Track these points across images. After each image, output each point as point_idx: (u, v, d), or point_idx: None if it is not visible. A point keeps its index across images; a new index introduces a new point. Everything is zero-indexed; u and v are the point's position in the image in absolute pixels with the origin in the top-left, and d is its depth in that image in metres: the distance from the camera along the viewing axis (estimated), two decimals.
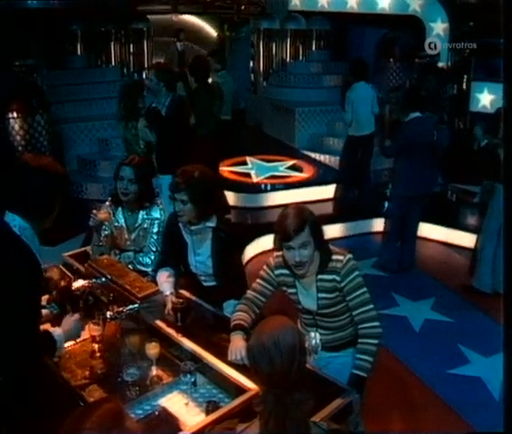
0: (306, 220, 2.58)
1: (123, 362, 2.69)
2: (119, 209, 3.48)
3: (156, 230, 3.43)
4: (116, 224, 3.47)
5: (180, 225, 3.18)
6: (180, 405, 2.57)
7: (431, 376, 4.30)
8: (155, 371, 2.70)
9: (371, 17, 9.19)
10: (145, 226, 3.43)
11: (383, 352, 4.53)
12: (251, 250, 5.94)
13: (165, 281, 3.07)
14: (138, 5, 8.62)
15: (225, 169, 7.62)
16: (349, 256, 2.69)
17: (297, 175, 7.51)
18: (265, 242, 6.14)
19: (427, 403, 4.08)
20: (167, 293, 2.98)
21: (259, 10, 9.66)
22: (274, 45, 9.84)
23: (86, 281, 2.85)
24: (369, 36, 9.51)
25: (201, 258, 3.19)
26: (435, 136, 5.56)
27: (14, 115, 6.26)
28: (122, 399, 2.56)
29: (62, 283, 3.28)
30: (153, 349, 2.66)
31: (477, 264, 5.46)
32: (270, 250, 6.26)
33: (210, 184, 3.11)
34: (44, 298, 3.31)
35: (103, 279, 2.77)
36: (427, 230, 6.58)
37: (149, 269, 3.37)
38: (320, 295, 2.70)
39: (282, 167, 7.78)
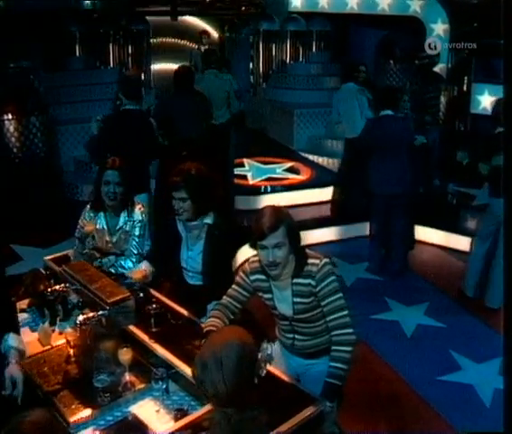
0: (281, 220, 2.55)
1: (97, 367, 2.66)
2: (101, 213, 3.46)
3: (137, 233, 3.42)
4: (97, 227, 3.45)
5: (176, 219, 3.20)
6: (151, 412, 2.54)
7: (421, 382, 4.21)
8: (127, 377, 2.67)
9: (372, 18, 9.12)
10: (126, 229, 3.42)
11: (372, 357, 4.52)
12: (245, 252, 5.88)
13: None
14: (137, 7, 8.61)
15: None
16: (325, 260, 2.64)
17: (294, 178, 7.46)
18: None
19: (416, 410, 4.01)
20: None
21: (259, 11, 9.60)
22: (274, 46, 9.80)
23: (59, 286, 2.82)
24: (370, 37, 9.44)
25: (193, 253, 3.22)
26: (410, 136, 5.46)
27: (10, 116, 6.28)
28: (94, 405, 2.55)
29: (41, 287, 3.28)
30: (125, 355, 2.63)
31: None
32: None
33: (207, 181, 3.14)
34: (24, 303, 3.32)
35: (76, 284, 2.73)
36: (426, 233, 6.51)
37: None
38: (296, 299, 2.66)
39: (280, 169, 7.74)
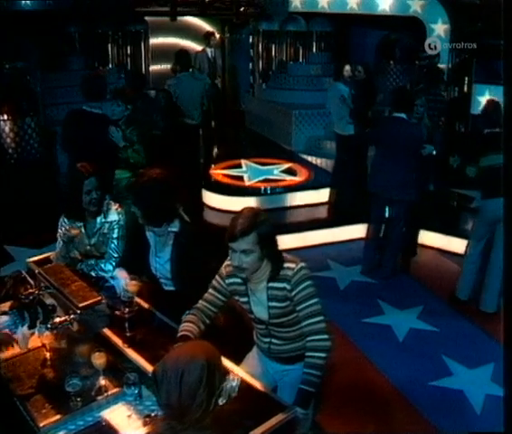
0: (254, 226, 2.48)
1: (69, 371, 2.63)
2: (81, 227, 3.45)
3: (116, 235, 3.39)
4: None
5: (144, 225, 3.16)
6: (123, 417, 2.50)
7: (411, 388, 4.16)
8: (102, 381, 2.64)
9: (373, 18, 9.05)
10: (104, 231, 3.39)
11: (362, 361, 4.47)
12: None
13: (124, 276, 3.05)
14: (136, 7, 8.59)
15: (218, 172, 7.57)
16: (301, 264, 2.59)
17: (290, 179, 7.39)
18: None
19: (404, 415, 3.96)
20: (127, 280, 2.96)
21: (258, 11, 9.56)
22: (274, 47, 9.76)
23: (33, 289, 2.79)
24: (371, 38, 9.38)
25: (161, 260, 3.17)
26: (419, 144, 5.34)
27: (5, 117, 6.29)
28: (66, 409, 2.52)
29: (22, 290, 3.26)
30: (98, 359, 2.60)
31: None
32: None
33: (157, 192, 2.98)
34: (6, 305, 3.31)
35: (51, 287, 2.71)
36: (424, 236, 6.42)
37: (110, 275, 3.31)
38: (271, 303, 2.62)
39: (277, 171, 7.68)
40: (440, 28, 8.37)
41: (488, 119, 4.95)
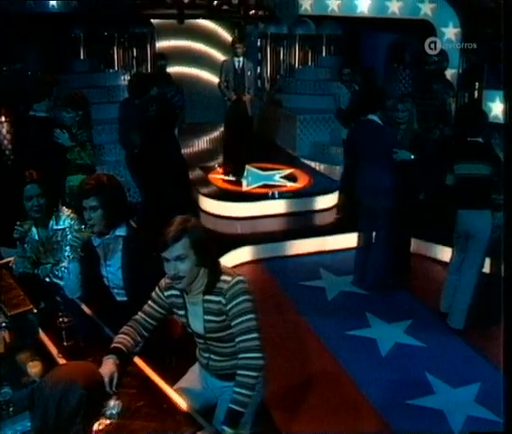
0: (185, 230, 2.40)
1: (4, 379, 2.59)
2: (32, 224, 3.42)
3: (69, 241, 3.33)
4: (31, 237, 3.41)
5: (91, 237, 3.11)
6: None
7: (387, 406, 4.00)
8: None
9: (383, 22, 8.85)
10: (58, 238, 3.33)
11: (340, 375, 4.32)
12: (228, 262, 5.76)
13: None
14: (142, 9, 8.60)
15: (217, 177, 7.51)
16: (238, 278, 2.49)
17: (290, 185, 7.27)
18: (242, 254, 6.00)
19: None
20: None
21: (267, 14, 9.45)
22: (282, 50, 9.64)
23: None
24: (382, 41, 9.18)
25: (111, 269, 3.11)
26: (385, 147, 5.11)
27: (2, 119, 6.35)
28: None
29: None
30: (33, 368, 2.56)
31: None
32: (248, 263, 6.04)
33: (119, 189, 3.08)
34: None
35: None
36: (420, 246, 6.23)
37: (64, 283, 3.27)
38: (207, 317, 2.53)
39: (278, 176, 7.56)
40: (450, 32, 8.11)
41: (472, 127, 4.75)
